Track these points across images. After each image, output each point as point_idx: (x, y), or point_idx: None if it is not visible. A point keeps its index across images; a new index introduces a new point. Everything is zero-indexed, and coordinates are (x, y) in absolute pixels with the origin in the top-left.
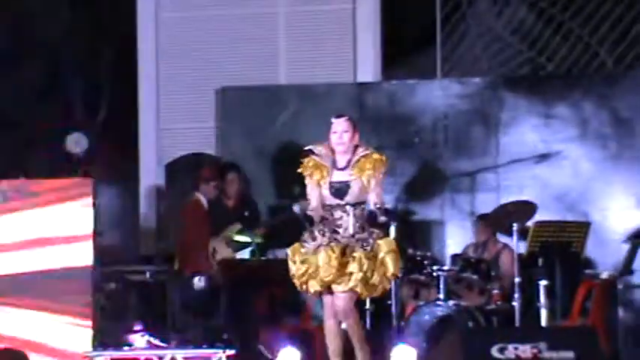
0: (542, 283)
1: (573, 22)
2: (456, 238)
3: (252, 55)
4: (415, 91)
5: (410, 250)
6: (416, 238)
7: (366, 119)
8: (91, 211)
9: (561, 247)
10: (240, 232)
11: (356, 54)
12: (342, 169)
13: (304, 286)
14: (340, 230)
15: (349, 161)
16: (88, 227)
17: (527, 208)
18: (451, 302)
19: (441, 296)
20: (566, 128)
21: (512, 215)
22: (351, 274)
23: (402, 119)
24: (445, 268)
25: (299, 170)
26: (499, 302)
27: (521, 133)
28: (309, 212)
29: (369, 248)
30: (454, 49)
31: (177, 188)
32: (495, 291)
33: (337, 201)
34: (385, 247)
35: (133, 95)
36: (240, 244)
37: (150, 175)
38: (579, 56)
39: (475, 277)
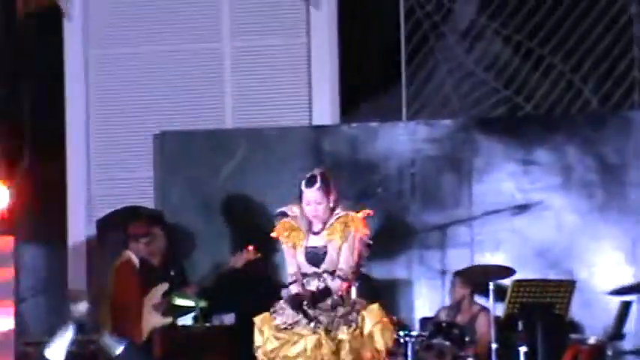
0: (523, 349)
1: (554, 57)
2: (425, 300)
3: (194, 96)
4: (378, 135)
5: None
6: (380, 299)
7: (323, 166)
8: (11, 275)
9: (543, 309)
10: (169, 294)
11: (311, 94)
12: (317, 232)
13: None
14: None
15: (325, 224)
16: (8, 295)
17: (504, 272)
18: None
19: None
20: (548, 176)
21: (488, 273)
22: None
23: (363, 166)
24: (413, 333)
25: (273, 235)
26: None
27: (497, 182)
28: (289, 282)
29: (354, 325)
30: (421, 87)
31: (110, 247)
32: (470, 359)
33: (313, 269)
34: (371, 319)
35: (60, 142)
36: (178, 309)
37: (79, 232)
38: (561, 95)
39: (447, 343)
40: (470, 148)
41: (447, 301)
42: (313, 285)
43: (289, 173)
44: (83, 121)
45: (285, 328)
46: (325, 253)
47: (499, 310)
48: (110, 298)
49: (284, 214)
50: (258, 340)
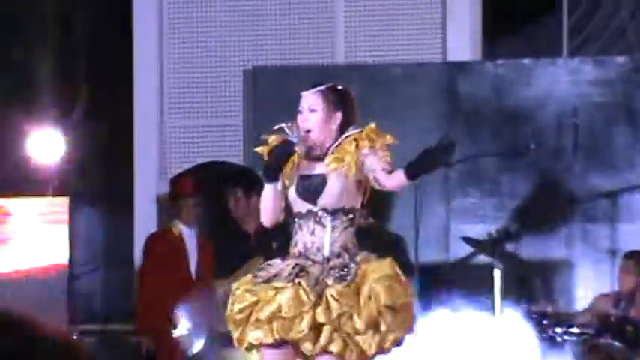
0: None
1: None
2: (588, 287)
3: (297, 25)
4: (531, 74)
5: (523, 304)
6: (531, 285)
7: (460, 114)
8: (66, 243)
9: None
10: None
11: (446, 22)
12: (316, 159)
13: (238, 331)
14: (311, 251)
15: (328, 149)
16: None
17: None
18: None
19: None
20: None
21: None
22: (320, 325)
23: (511, 115)
24: (574, 330)
25: (258, 150)
26: None
27: None
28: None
29: (348, 278)
30: (587, 15)
31: None
32: None
33: (308, 206)
34: (376, 271)
35: (126, 81)
36: None
37: (149, 192)
38: None
39: (617, 344)
40: None
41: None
42: (306, 229)
43: (416, 122)
44: (154, 54)
45: (262, 282)
46: (324, 183)
47: None
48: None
49: (282, 131)
50: (228, 307)
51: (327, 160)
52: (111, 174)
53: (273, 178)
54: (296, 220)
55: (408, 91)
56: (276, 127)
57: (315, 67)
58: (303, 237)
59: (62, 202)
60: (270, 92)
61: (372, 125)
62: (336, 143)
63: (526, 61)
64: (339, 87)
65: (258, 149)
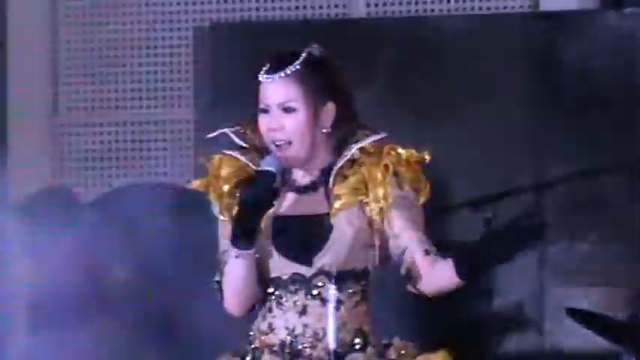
0: None
1: None
2: None
3: None
4: None
5: None
6: None
7: (561, 93)
8: None
9: None
10: None
11: None
12: (307, 187)
13: None
14: (302, 342)
15: (326, 169)
16: None
17: None
18: None
19: None
20: None
21: None
22: None
23: None
24: None
25: (193, 184)
26: None
27: None
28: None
29: None
30: None
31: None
32: None
33: (296, 267)
34: None
35: None
36: None
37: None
38: None
39: None
40: None
41: None
42: (291, 305)
43: (492, 104)
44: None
45: None
46: (326, 230)
47: None
48: None
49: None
50: None
51: (337, 189)
52: None
53: (248, 242)
54: (271, 289)
55: (480, 57)
56: (212, 135)
57: (320, 24)
58: (287, 318)
59: None
60: (238, 64)
61: (426, 155)
62: (343, 159)
63: None
64: (317, 51)
65: (196, 183)
